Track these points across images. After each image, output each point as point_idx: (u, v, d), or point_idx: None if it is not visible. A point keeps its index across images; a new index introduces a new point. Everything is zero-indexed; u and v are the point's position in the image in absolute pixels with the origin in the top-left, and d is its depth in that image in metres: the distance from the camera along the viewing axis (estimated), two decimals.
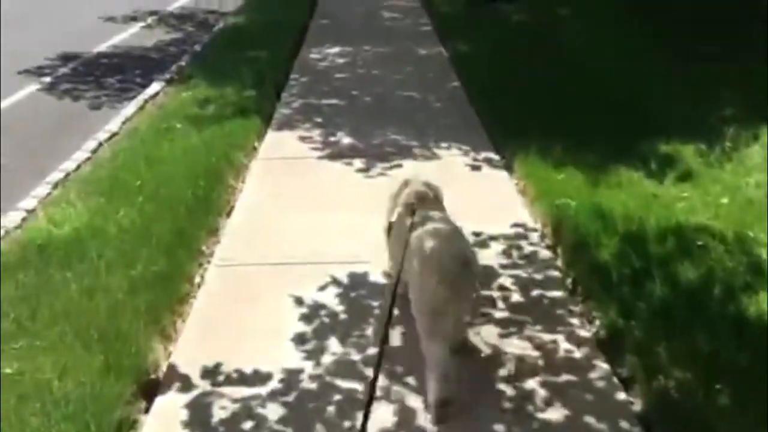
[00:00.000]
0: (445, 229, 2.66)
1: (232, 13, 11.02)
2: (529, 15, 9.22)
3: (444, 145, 5.08)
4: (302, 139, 5.33)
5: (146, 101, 6.54)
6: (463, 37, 8.27)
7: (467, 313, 2.75)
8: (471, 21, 9.26)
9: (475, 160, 4.80)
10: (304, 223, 3.94)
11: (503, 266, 3.44)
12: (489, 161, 4.79)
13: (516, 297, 3.20)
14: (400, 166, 4.70)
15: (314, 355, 2.84)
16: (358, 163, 4.80)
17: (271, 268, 3.50)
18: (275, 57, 7.67)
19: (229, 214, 4.16)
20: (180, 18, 11.31)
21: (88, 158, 5.12)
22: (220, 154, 4.77)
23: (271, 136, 5.44)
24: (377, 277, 3.36)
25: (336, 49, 8.26)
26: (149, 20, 11.06)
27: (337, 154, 4.99)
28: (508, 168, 4.69)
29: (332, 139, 5.32)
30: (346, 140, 5.28)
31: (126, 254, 3.47)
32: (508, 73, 6.58)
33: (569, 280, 3.34)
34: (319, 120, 5.75)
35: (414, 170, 4.26)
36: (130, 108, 6.27)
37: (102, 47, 9.11)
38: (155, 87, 6.98)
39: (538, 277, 3.35)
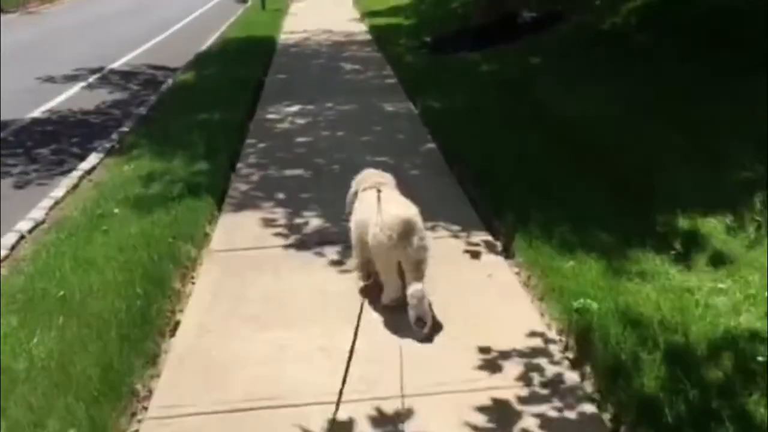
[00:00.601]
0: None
1: (182, 70, 10.31)
2: (499, 64, 8.71)
3: (427, 224, 4.39)
4: (263, 222, 4.58)
5: (81, 178, 5.75)
6: (431, 91, 7.68)
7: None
8: (438, 72, 8.71)
9: (468, 243, 4.11)
10: (267, 344, 3.17)
11: (523, 400, 2.73)
12: (482, 244, 4.10)
13: None
14: None
15: None
16: (331, 252, 4.05)
17: (224, 417, 2.72)
18: (229, 119, 6.96)
19: (173, 332, 3.37)
20: (125, 76, 10.56)
21: (6, 256, 4.31)
22: (163, 249, 4.00)
23: (226, 220, 4.67)
24: (366, 425, 2.62)
25: (295, 108, 7.58)
26: (91, 79, 10.28)
27: (305, 241, 4.25)
28: (506, 251, 4.02)
29: (298, 220, 4.57)
30: (315, 221, 4.54)
31: (34, 410, 2.66)
32: (488, 132, 5.97)
33: (607, 416, 2.65)
34: (281, 196, 5.01)
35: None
36: (60, 188, 5.46)
37: (37, 112, 8.28)
38: (92, 160, 6.18)
39: (570, 415, 2.64)
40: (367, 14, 15.71)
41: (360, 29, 14.06)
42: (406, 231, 3.23)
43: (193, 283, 3.85)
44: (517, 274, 3.76)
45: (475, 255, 3.96)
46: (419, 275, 3.24)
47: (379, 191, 3.49)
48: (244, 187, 5.24)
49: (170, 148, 6.08)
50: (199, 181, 5.16)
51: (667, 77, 6.69)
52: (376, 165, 5.50)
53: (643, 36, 8.08)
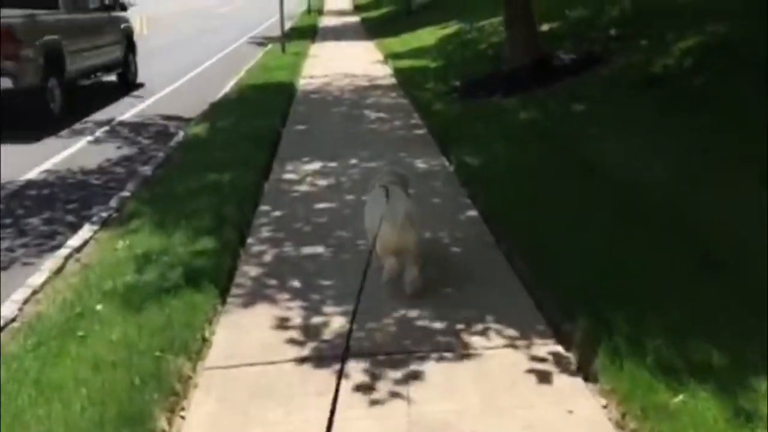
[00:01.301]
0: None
1: (195, 121, 9.65)
2: (538, 111, 7.91)
3: (478, 327, 3.54)
4: (274, 322, 3.74)
5: (68, 257, 4.99)
6: (466, 143, 6.90)
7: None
8: (471, 120, 7.95)
9: (531, 357, 3.24)
10: None
11: None
12: (550, 359, 3.23)
13: None
14: (418, 377, 3.14)
15: None
16: (356, 371, 3.19)
17: None
18: (241, 181, 6.20)
19: None
20: (135, 128, 9.91)
21: None
22: (148, 367, 3.18)
23: (230, 319, 3.84)
24: None
25: (316, 166, 6.82)
26: (98, 132, 9.65)
27: (324, 354, 3.41)
28: (583, 370, 3.14)
29: (316, 320, 3.74)
30: (336, 322, 3.70)
31: None
32: (537, 196, 5.14)
33: None
34: (296, 284, 4.19)
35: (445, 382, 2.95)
36: (42, 272, 4.70)
37: (34, 173, 7.62)
38: (84, 233, 5.42)
39: None
40: (391, 56, 15.08)
41: (384, 72, 13.40)
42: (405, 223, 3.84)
43: (183, 417, 3.01)
44: (605, 407, 2.87)
45: (545, 377, 3.08)
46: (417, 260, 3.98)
47: (387, 189, 4.07)
48: (254, 271, 4.42)
49: (173, 217, 5.32)
50: (201, 265, 4.36)
51: (741, 123, 5.83)
52: None
53: (701, 78, 7.25)
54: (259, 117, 9.04)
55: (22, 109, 9.22)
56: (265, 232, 5.10)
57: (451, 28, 17.38)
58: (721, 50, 7.88)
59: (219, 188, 5.99)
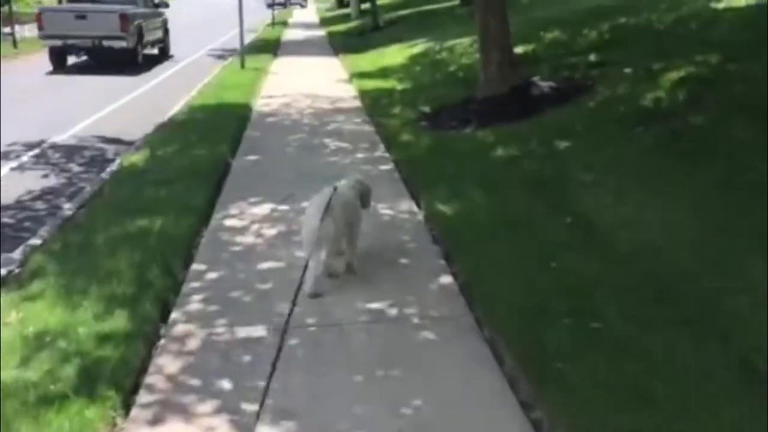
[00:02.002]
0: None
1: (135, 146, 8.64)
2: (518, 147, 7.10)
3: None
4: None
5: None
6: (438, 185, 6.04)
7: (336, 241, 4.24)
8: (443, 155, 7.11)
9: None
10: None
11: None
12: None
13: None
14: None
15: None
16: None
17: None
18: (175, 228, 5.25)
19: None
20: (68, 152, 8.86)
21: None
22: None
23: None
24: None
25: (265, 209, 5.89)
26: (26, 157, 8.58)
27: None
28: None
29: None
30: None
31: None
32: (526, 264, 4.30)
33: None
34: (226, 387, 3.27)
35: None
36: None
37: None
38: None
39: None
40: (356, 75, 14.23)
41: (348, 93, 12.53)
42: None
43: None
44: None
45: None
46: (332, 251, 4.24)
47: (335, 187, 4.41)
48: (172, 365, 3.46)
49: (83, 280, 4.34)
50: (105, 357, 3.41)
51: (753, 175, 5.09)
52: (374, 328, 3.89)
53: (698, 117, 6.54)
54: (207, 144, 8.09)
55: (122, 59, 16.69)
56: (194, 303, 4.15)
57: (420, 46, 16.63)
58: (714, 84, 7.22)
59: (146, 239, 5.03)
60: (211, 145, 8.05)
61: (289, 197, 6.23)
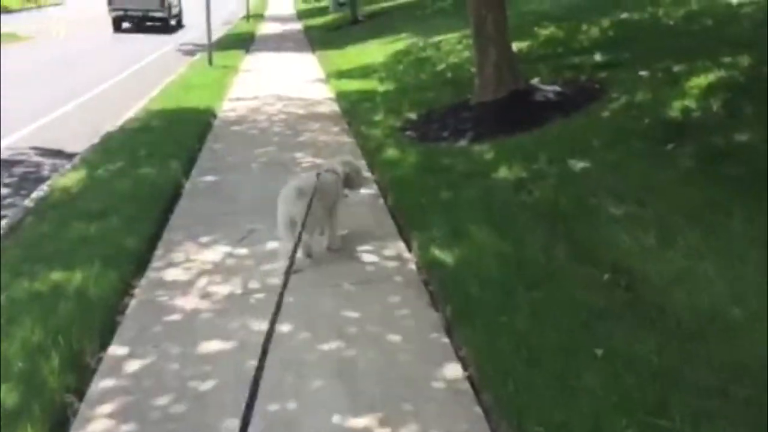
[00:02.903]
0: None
1: (72, 164, 7.39)
2: (526, 168, 5.95)
3: None
4: None
5: None
6: (432, 219, 4.89)
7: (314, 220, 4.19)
8: (435, 178, 5.95)
9: None
10: None
11: None
12: None
13: None
14: None
15: None
16: None
17: None
18: (97, 286, 4.05)
19: None
20: (2, 166, 7.61)
21: None
22: None
23: None
24: None
25: (218, 252, 4.72)
26: None
27: None
28: None
29: None
30: None
31: None
32: (563, 341, 3.20)
33: None
34: None
35: None
36: None
37: None
38: None
39: None
40: (333, 74, 13.03)
41: (324, 95, 11.34)
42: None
43: None
44: None
45: None
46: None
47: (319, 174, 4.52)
48: None
49: None
50: None
51: None
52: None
53: (743, 132, 5.46)
54: (158, 160, 6.88)
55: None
56: (99, 420, 2.97)
57: (402, 42, 15.46)
58: (752, 91, 6.16)
59: (57, 303, 3.84)
60: (162, 161, 6.84)
61: (250, 234, 5.06)
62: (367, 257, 4.60)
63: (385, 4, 27.14)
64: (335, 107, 10.19)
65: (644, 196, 4.84)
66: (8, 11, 40.77)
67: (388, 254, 4.64)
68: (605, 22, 11.12)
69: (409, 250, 4.73)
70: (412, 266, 4.46)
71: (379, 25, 20.76)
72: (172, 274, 4.39)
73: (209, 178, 6.57)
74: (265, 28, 28.14)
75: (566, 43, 10.51)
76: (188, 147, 7.58)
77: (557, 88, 7.80)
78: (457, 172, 6.02)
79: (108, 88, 13.54)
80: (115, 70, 15.73)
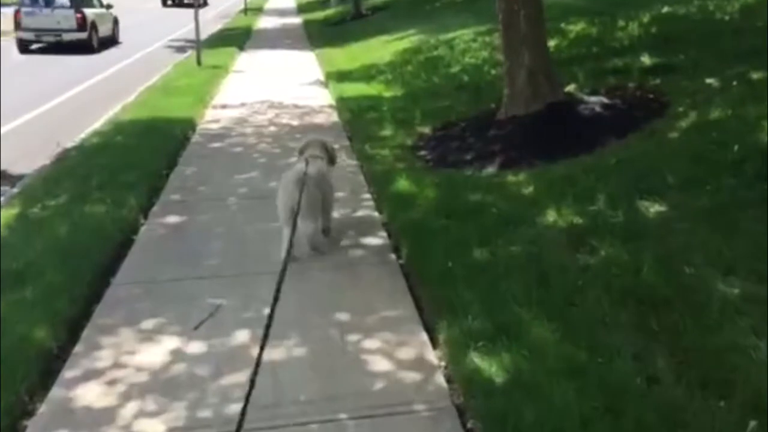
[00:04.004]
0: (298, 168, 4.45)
1: (6, 198, 5.99)
2: (581, 211, 4.56)
3: None
4: None
5: None
6: (463, 290, 3.54)
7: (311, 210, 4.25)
8: (461, 219, 4.55)
9: None
10: None
11: None
12: None
13: None
14: None
15: None
16: None
17: None
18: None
19: None
20: None
21: None
22: None
23: None
24: None
25: (164, 348, 3.32)
26: None
27: None
28: None
29: None
30: None
31: None
32: None
33: None
34: None
35: None
36: None
37: None
38: None
39: None
40: (334, 76, 11.61)
41: (323, 101, 9.93)
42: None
43: None
44: None
45: None
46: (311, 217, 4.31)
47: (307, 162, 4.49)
48: None
49: None
50: None
51: None
52: None
53: None
54: (113, 192, 5.49)
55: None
56: None
57: (410, 39, 14.03)
58: None
59: None
60: (117, 194, 5.45)
61: (213, 314, 3.69)
62: (376, 361, 3.21)
63: None
64: (335, 117, 8.78)
65: (763, 265, 3.45)
66: None
67: (406, 356, 3.24)
68: (645, 17, 9.70)
69: (434, 345, 3.34)
70: (441, 380, 3.06)
71: (383, 19, 19.31)
72: (86, 396, 2.99)
73: (172, 219, 5.16)
74: (264, 23, 26.70)
75: (602, 42, 9.08)
76: (154, 172, 6.19)
77: (604, 100, 6.38)
78: (490, 216, 4.60)
79: (82, 91, 12.16)
80: (94, 70, 14.34)
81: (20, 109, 10.17)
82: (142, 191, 5.64)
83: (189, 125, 8.23)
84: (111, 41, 20.03)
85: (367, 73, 11.34)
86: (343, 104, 9.17)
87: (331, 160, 4.85)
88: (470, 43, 11.39)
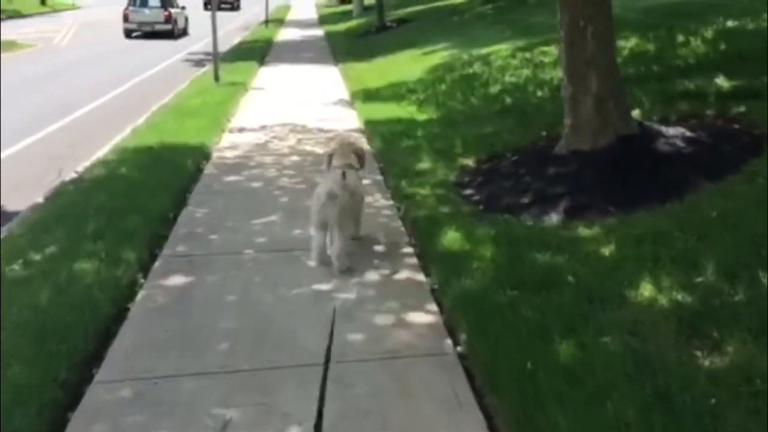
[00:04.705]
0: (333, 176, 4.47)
1: None
2: (680, 280, 3.65)
3: None
4: None
5: None
6: (555, 415, 2.66)
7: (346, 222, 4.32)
8: (529, 290, 3.63)
9: None
10: None
11: None
12: None
13: None
14: None
15: None
16: None
17: None
18: None
19: None
20: None
21: None
22: None
23: None
24: None
25: None
26: None
27: None
28: None
29: None
30: None
31: None
32: None
33: None
34: None
35: None
36: None
37: None
38: None
39: None
40: (360, 95, 10.76)
41: (349, 124, 9.06)
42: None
43: None
44: None
45: None
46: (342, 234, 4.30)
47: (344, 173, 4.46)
48: None
49: None
50: None
51: None
52: None
53: None
54: (110, 243, 4.65)
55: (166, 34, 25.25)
56: None
57: (441, 54, 13.16)
58: None
59: None
60: (115, 245, 4.59)
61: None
62: None
63: (414, 8, 24.86)
64: (364, 145, 7.90)
65: None
66: (20, 15, 39.24)
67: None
68: (707, 32, 8.74)
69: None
70: None
71: (409, 32, 18.48)
72: None
73: (175, 280, 4.28)
74: (285, 35, 26.02)
75: (663, 60, 8.13)
76: (159, 215, 5.33)
77: (686, 132, 5.43)
78: (568, 288, 3.67)
79: (92, 110, 11.42)
80: (106, 86, 13.62)
81: (33, 124, 9.44)
82: (143, 241, 4.78)
83: (202, 153, 7.39)
84: (184, 32, 27.19)
85: (396, 92, 10.48)
86: (372, 129, 8.29)
87: (362, 164, 4.88)
88: (509, 60, 10.48)
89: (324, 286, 4.15)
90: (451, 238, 4.54)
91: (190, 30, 27.39)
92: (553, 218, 4.83)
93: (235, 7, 46.79)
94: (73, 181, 6.54)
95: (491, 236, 4.51)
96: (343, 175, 4.42)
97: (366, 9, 30.78)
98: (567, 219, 4.77)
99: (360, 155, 4.83)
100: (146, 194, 5.82)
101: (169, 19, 25.58)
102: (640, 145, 5.27)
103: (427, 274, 4.27)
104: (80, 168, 7.18)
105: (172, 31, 25.55)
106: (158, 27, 25.30)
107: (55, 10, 45.37)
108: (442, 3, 24.32)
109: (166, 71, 16.43)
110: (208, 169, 6.94)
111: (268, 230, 5.13)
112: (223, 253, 4.72)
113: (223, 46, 19.33)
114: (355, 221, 4.65)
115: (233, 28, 29.03)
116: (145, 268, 4.48)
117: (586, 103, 5.39)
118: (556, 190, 5.13)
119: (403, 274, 4.29)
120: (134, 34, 25.68)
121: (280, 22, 33.14)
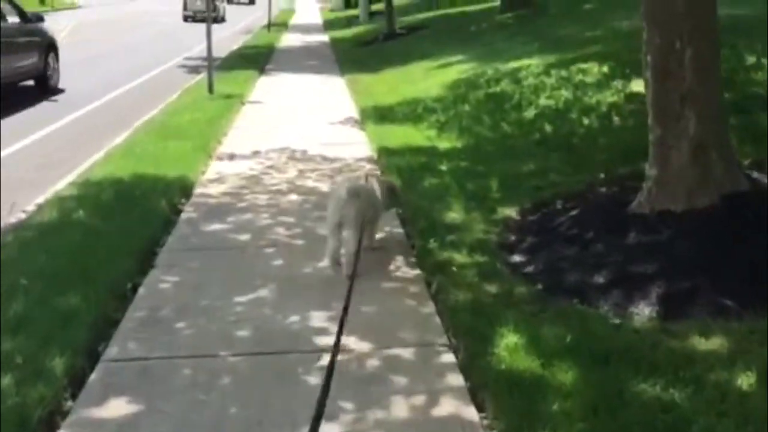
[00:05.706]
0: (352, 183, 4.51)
1: None
2: None
3: None
4: None
5: None
6: None
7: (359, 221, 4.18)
8: (605, 412, 2.39)
9: None
10: None
11: None
12: None
13: None
14: None
15: None
16: None
17: None
18: None
19: None
20: None
21: None
22: None
23: None
24: None
25: None
26: None
27: None
28: None
29: None
30: None
31: None
32: None
33: None
34: None
35: None
36: None
37: None
38: None
39: None
40: (371, 114, 9.45)
41: (360, 152, 7.72)
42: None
43: None
44: None
45: None
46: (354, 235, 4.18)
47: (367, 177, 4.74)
48: None
49: None
50: None
51: None
52: None
53: None
54: (39, 337, 3.36)
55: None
56: None
57: (459, 67, 11.84)
58: None
59: None
60: (41, 344, 3.31)
61: None
62: None
63: (426, 15, 23.59)
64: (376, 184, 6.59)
65: None
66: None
67: None
68: None
69: None
70: None
71: (422, 41, 17.17)
72: None
73: (114, 410, 2.95)
74: (287, 40, 24.74)
75: (736, 86, 6.81)
76: (112, 286, 4.00)
77: None
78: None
79: (69, 124, 10.11)
80: (92, 95, 12.31)
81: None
82: (81, 334, 3.47)
83: (182, 189, 6.07)
84: (222, 18, 33.79)
85: (412, 112, 9.17)
86: (387, 160, 6.98)
87: (397, 203, 5.05)
88: (542, 78, 9.15)
89: (331, 428, 2.83)
90: (511, 346, 3.21)
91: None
92: (645, 311, 3.51)
93: (252, 1, 51.66)
94: (14, 229, 5.22)
95: (566, 345, 3.20)
96: (366, 178, 4.68)
97: (372, 15, 29.52)
98: (664, 313, 3.47)
99: (393, 189, 4.91)
100: (102, 251, 4.50)
101: (215, 8, 30.40)
102: (755, 208, 3.97)
103: (480, 409, 2.95)
104: (32, 205, 5.88)
105: (216, 18, 29.87)
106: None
107: (55, 9, 44.19)
108: (454, 10, 23.07)
109: (160, 78, 15.12)
110: (187, 211, 5.61)
111: (254, 315, 3.80)
112: (191, 355, 3.39)
113: (223, 52, 18.11)
114: (371, 229, 4.59)
115: (228, 34, 27.73)
116: (78, 382, 3.17)
117: (680, 150, 4.06)
118: (644, 268, 3.81)
119: (444, 410, 2.95)
120: (189, 20, 32.42)
121: (283, 26, 31.89)
